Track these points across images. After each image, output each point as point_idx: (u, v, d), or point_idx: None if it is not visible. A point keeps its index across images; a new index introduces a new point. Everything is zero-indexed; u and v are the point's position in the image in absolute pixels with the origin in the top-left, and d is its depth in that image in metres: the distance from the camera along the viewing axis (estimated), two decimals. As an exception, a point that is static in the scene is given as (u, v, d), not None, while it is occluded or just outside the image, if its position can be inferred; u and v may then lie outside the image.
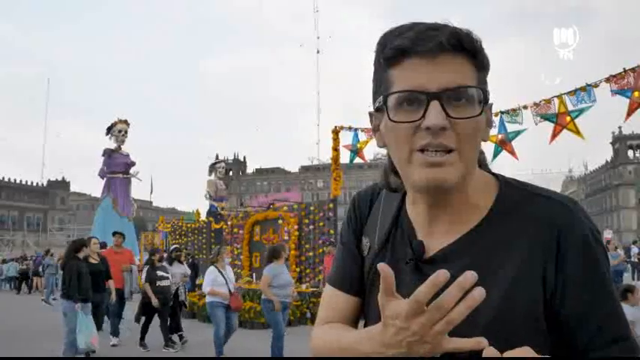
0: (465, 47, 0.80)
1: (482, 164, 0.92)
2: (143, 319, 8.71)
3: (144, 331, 8.64)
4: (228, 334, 7.57)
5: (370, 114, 0.91)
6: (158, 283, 8.51)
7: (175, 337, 8.87)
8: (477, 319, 0.79)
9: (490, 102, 0.85)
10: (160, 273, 8.60)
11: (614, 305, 0.80)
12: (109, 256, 9.22)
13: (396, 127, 0.81)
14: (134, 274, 9.87)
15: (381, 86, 0.84)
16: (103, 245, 10.45)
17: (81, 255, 7.39)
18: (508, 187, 0.88)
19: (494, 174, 0.91)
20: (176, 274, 9.21)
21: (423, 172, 0.80)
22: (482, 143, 0.86)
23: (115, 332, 9.05)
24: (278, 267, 7.09)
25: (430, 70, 0.79)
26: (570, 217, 0.82)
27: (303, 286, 11.47)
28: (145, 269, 8.81)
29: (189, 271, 10.42)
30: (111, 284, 8.60)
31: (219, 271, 7.60)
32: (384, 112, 0.83)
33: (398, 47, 0.80)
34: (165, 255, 9.78)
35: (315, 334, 1.00)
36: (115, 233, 10.17)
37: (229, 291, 7.55)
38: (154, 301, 8.26)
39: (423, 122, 0.78)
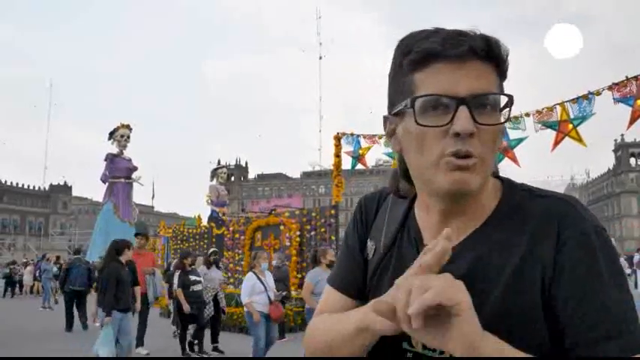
0: (494, 55, 0.80)
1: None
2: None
3: (182, 340, 8.14)
4: (267, 345, 6.92)
5: (385, 118, 0.89)
6: (192, 288, 7.93)
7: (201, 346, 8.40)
8: (480, 315, 0.79)
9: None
10: (192, 277, 8.02)
11: (612, 298, 0.75)
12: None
13: (422, 132, 0.80)
14: (157, 277, 9.55)
15: (401, 91, 0.83)
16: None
17: (123, 258, 6.58)
18: (511, 188, 0.89)
19: (499, 177, 0.92)
20: (214, 278, 8.73)
21: (449, 175, 0.79)
22: None
23: (141, 341, 8.54)
24: (320, 272, 6.55)
25: (458, 75, 0.78)
26: (569, 211, 0.82)
27: (304, 293, 11.42)
28: (177, 274, 8.15)
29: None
30: (137, 291, 7.69)
31: (258, 277, 7.01)
32: (403, 117, 0.83)
33: (426, 50, 0.78)
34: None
35: (311, 323, 1.01)
36: (137, 234, 9.65)
37: (269, 299, 6.91)
38: (186, 308, 7.76)
39: (451, 127, 0.77)
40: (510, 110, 0.82)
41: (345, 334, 0.86)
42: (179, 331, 8.42)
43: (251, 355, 6.90)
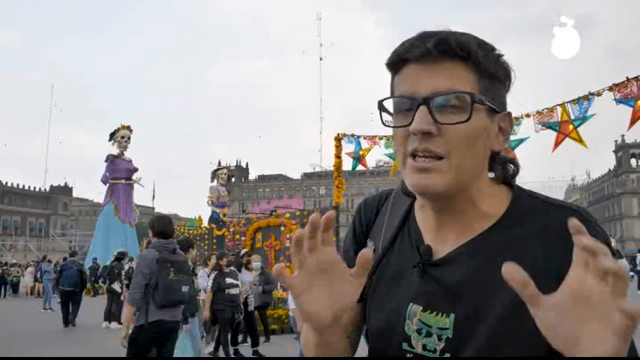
0: (461, 53, 0.79)
1: (506, 176, 0.89)
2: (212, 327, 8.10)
3: (225, 344, 7.86)
4: None
5: None
6: (228, 291, 7.59)
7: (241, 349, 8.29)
8: (484, 321, 0.78)
9: (507, 110, 0.85)
10: (229, 280, 7.68)
11: None
12: None
13: (394, 132, 0.84)
14: None
15: (390, 92, 0.87)
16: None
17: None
18: (521, 195, 0.87)
19: (509, 184, 0.90)
20: (244, 281, 8.50)
21: (412, 178, 0.82)
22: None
23: None
24: None
25: (422, 76, 0.80)
26: (585, 225, 0.79)
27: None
28: (213, 275, 7.78)
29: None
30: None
31: None
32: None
33: (396, 54, 0.83)
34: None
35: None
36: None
37: None
38: (206, 314, 7.49)
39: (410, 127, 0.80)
40: (473, 107, 0.79)
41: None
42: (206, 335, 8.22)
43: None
